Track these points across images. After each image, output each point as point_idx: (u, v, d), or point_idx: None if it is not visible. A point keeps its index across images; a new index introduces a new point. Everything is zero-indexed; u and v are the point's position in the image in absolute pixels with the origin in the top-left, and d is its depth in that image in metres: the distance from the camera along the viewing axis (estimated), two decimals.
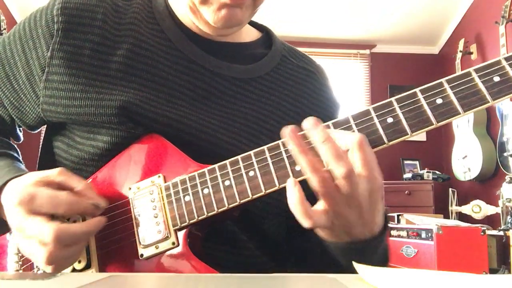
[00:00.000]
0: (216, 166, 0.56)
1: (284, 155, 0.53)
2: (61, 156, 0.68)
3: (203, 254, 0.57)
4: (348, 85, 4.66)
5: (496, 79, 0.48)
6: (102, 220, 0.57)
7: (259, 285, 0.42)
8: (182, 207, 0.56)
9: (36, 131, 0.75)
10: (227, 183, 0.54)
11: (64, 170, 0.58)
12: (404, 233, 2.98)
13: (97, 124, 0.63)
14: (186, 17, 0.70)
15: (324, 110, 0.76)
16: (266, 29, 0.81)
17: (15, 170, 0.62)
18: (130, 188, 0.60)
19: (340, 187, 0.49)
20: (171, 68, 0.66)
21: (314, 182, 0.49)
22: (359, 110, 0.52)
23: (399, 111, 0.50)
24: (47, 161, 0.70)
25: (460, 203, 3.65)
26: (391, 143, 0.50)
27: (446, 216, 3.66)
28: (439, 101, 0.49)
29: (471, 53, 3.92)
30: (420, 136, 4.39)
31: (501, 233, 2.78)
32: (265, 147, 0.54)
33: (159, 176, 0.59)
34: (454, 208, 3.65)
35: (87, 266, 0.59)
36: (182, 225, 0.56)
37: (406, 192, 3.94)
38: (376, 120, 0.51)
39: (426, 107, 0.49)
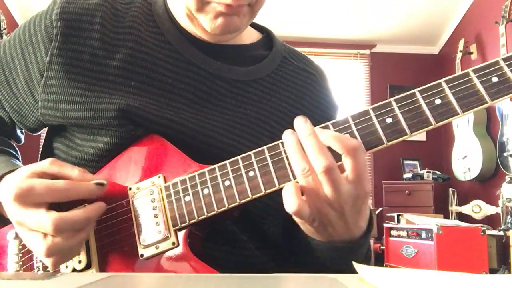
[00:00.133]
0: (216, 166, 0.56)
1: (284, 155, 0.53)
2: (61, 158, 0.68)
3: (203, 254, 0.57)
4: (348, 85, 4.67)
5: (495, 79, 0.48)
6: (102, 206, 0.56)
7: (259, 285, 0.42)
8: (182, 207, 0.56)
9: (37, 133, 0.75)
10: (227, 183, 0.54)
11: (55, 160, 0.57)
12: (404, 233, 2.99)
13: (97, 126, 0.63)
14: (185, 20, 0.70)
15: (324, 112, 0.76)
16: (267, 31, 0.81)
17: (11, 165, 0.62)
18: (130, 189, 0.60)
19: (321, 183, 0.49)
20: (171, 71, 0.66)
21: (296, 174, 0.50)
22: (358, 110, 0.52)
23: (398, 112, 0.50)
24: None
25: (460, 203, 3.65)
26: (390, 143, 0.50)
27: (446, 216, 3.67)
28: (438, 101, 0.49)
29: (471, 53, 3.92)
30: (420, 136, 4.40)
31: (501, 233, 2.78)
32: (265, 147, 0.54)
33: (159, 177, 0.59)
34: (454, 208, 3.65)
35: (87, 266, 0.59)
36: (182, 225, 0.56)
37: (406, 192, 3.94)
38: (375, 120, 0.51)
39: (425, 107, 0.49)
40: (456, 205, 3.66)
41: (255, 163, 0.54)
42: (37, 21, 0.68)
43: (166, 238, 0.56)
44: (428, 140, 4.47)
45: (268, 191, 0.53)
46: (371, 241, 3.64)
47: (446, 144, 4.29)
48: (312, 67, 0.81)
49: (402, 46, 4.75)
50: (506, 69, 0.48)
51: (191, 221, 0.56)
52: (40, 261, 0.63)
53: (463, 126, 3.78)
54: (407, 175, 4.20)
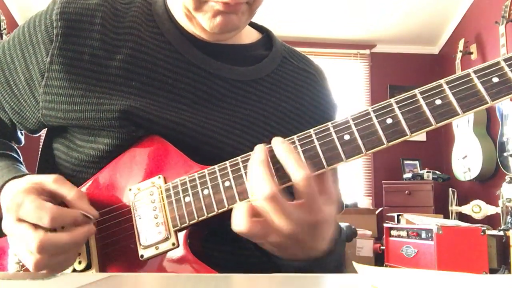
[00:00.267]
0: (216, 167, 0.56)
1: None
2: (61, 158, 0.68)
3: (203, 255, 0.57)
4: (348, 85, 4.66)
5: (495, 80, 0.48)
6: (91, 231, 0.56)
7: (259, 285, 0.42)
8: (182, 208, 0.56)
9: (37, 135, 0.75)
10: (227, 184, 0.54)
11: (60, 178, 0.57)
12: (404, 233, 2.99)
13: (97, 127, 0.63)
14: (184, 20, 0.70)
15: (323, 112, 0.76)
16: (267, 31, 0.81)
17: (15, 171, 0.62)
18: (130, 189, 0.60)
19: (269, 216, 0.49)
20: (171, 71, 0.66)
21: (252, 203, 0.50)
22: (358, 111, 0.52)
23: (398, 112, 0.50)
24: (47, 163, 0.70)
25: (460, 203, 3.65)
26: (390, 143, 0.50)
27: (446, 216, 3.67)
28: (438, 102, 0.49)
29: (471, 53, 3.92)
30: (420, 136, 4.40)
31: (501, 233, 2.78)
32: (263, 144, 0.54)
33: (159, 177, 0.59)
34: (454, 208, 3.65)
35: (88, 267, 0.59)
36: (182, 225, 0.56)
37: (406, 192, 3.94)
38: (375, 121, 0.51)
39: (425, 108, 0.49)
40: (456, 205, 3.66)
41: None
42: (37, 21, 0.68)
43: (166, 239, 0.56)
44: (428, 140, 4.47)
45: None
46: (371, 241, 3.65)
47: (446, 144, 4.29)
48: (311, 67, 0.81)
49: (402, 46, 4.75)
50: (506, 69, 0.48)
51: (191, 222, 0.55)
52: None
53: (463, 126, 3.78)
54: (407, 175, 4.20)
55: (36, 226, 0.53)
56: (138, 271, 0.58)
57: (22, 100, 0.69)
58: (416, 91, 0.50)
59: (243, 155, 0.55)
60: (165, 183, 0.58)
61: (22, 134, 0.79)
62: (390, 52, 4.77)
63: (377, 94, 4.58)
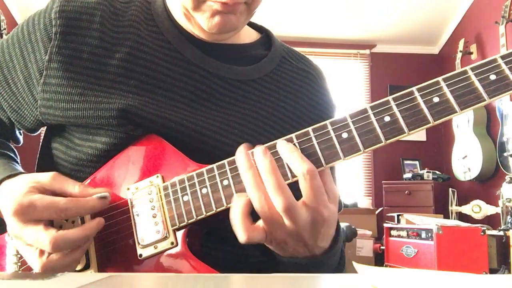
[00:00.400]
0: (214, 166, 0.56)
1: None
2: (59, 158, 0.68)
3: (202, 254, 0.57)
4: (348, 85, 4.66)
5: (492, 77, 0.48)
6: (101, 222, 0.57)
7: (258, 285, 0.42)
8: (181, 207, 0.56)
9: (35, 134, 0.75)
10: (225, 182, 0.54)
11: (57, 175, 0.57)
12: (404, 233, 2.99)
13: (96, 126, 0.63)
14: (183, 19, 0.70)
15: (322, 112, 0.76)
16: (266, 30, 0.81)
17: (9, 170, 0.62)
18: (128, 189, 0.60)
19: (281, 218, 0.50)
20: (170, 70, 0.66)
21: (254, 203, 0.50)
22: (356, 109, 0.52)
23: (396, 110, 0.50)
24: (46, 163, 0.70)
25: (460, 203, 3.65)
26: (388, 141, 0.50)
27: (446, 216, 3.67)
28: (435, 99, 0.49)
29: (471, 53, 3.92)
30: (420, 136, 4.40)
31: (501, 233, 2.77)
32: (263, 146, 0.54)
33: (157, 176, 0.59)
34: (454, 208, 3.65)
35: (86, 266, 0.59)
36: (181, 225, 0.56)
37: (406, 192, 3.94)
38: (373, 119, 0.51)
39: (423, 105, 0.49)
40: (456, 205, 3.66)
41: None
42: (35, 20, 0.68)
43: (165, 238, 0.56)
44: (428, 140, 4.47)
45: None
46: (371, 241, 3.65)
47: (446, 144, 4.29)
48: (310, 67, 0.81)
49: (402, 46, 4.75)
50: (504, 66, 0.48)
51: (190, 221, 0.55)
52: None
53: (463, 126, 3.78)
54: (407, 175, 4.20)
55: (46, 225, 0.53)
56: (136, 271, 0.57)
57: (20, 99, 0.69)
58: (414, 88, 0.50)
59: None
60: (163, 182, 0.58)
61: (20, 134, 0.79)
62: (390, 52, 4.77)
63: (377, 94, 4.58)
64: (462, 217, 3.57)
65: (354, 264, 0.43)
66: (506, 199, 2.92)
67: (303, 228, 0.51)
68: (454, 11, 4.16)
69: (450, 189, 3.80)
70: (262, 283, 0.43)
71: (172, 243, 0.56)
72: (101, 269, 0.59)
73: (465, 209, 3.32)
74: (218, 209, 0.54)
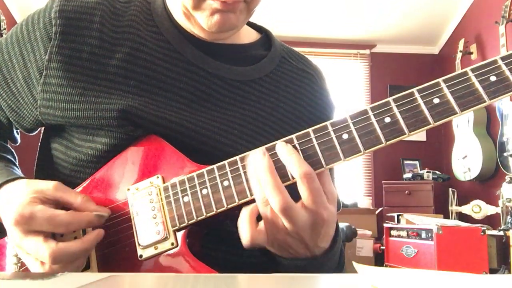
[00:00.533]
0: (214, 166, 0.56)
1: None
2: (59, 158, 0.68)
3: (202, 255, 0.57)
4: (348, 85, 4.66)
5: (493, 78, 0.48)
6: (100, 234, 0.57)
7: (259, 285, 0.42)
8: (181, 208, 0.56)
9: (33, 134, 0.75)
10: (225, 183, 0.54)
11: (60, 185, 0.58)
12: (404, 233, 2.99)
13: (95, 126, 0.63)
14: (183, 18, 0.70)
15: (321, 113, 0.76)
16: (266, 31, 0.81)
17: (8, 174, 0.62)
18: (128, 189, 0.60)
19: (279, 219, 0.51)
20: (170, 70, 0.66)
21: (257, 204, 0.52)
22: (357, 110, 0.52)
23: (396, 111, 0.50)
24: (45, 163, 0.70)
25: (460, 203, 3.65)
26: (388, 142, 0.50)
27: (446, 216, 3.67)
28: (436, 100, 0.49)
29: (471, 53, 3.92)
30: (420, 136, 4.39)
31: (501, 233, 2.78)
32: (263, 147, 0.54)
33: (157, 177, 0.59)
34: (454, 208, 3.65)
35: (86, 267, 0.59)
36: (181, 225, 0.56)
37: (406, 192, 3.94)
38: (373, 120, 0.51)
39: (423, 106, 0.49)
40: (456, 205, 3.66)
41: None
42: (35, 19, 0.68)
43: (165, 239, 0.56)
44: (428, 140, 4.46)
45: None
46: (371, 241, 3.64)
47: (446, 144, 4.28)
48: (310, 68, 0.81)
49: (402, 46, 4.75)
50: (504, 68, 0.48)
51: (190, 222, 0.55)
52: None
53: (463, 126, 3.78)
54: (407, 175, 4.20)
55: (46, 237, 0.54)
56: (137, 271, 0.57)
57: (20, 98, 0.68)
58: (414, 89, 0.50)
59: (241, 155, 0.55)
60: (164, 182, 0.58)
61: (18, 133, 0.79)
62: (390, 52, 4.76)
63: (377, 94, 4.58)
64: (462, 217, 3.57)
65: (354, 264, 0.43)
66: (506, 199, 2.92)
67: (303, 229, 0.51)
68: (454, 11, 4.16)
69: (450, 189, 3.80)
70: (262, 283, 0.43)
71: (172, 244, 0.56)
72: (101, 269, 0.59)
73: (465, 209, 3.32)
74: (219, 210, 0.54)
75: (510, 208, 2.91)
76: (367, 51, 4.74)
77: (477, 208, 3.19)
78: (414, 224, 2.98)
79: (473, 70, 0.49)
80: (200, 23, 0.65)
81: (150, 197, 0.58)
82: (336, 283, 0.43)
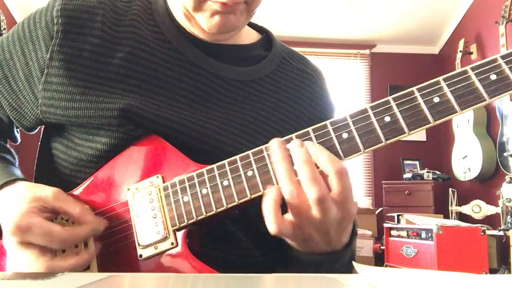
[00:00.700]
0: (214, 166, 0.56)
1: None
2: (59, 158, 0.68)
3: (202, 254, 0.57)
4: (348, 85, 4.66)
5: (493, 77, 0.48)
6: (93, 255, 0.58)
7: (258, 285, 0.42)
8: (181, 208, 0.56)
9: (33, 132, 0.75)
10: (225, 183, 0.54)
11: (59, 193, 0.58)
12: (404, 233, 2.99)
13: (96, 126, 0.63)
14: (183, 19, 0.70)
15: (321, 113, 0.76)
16: (266, 31, 0.81)
17: (7, 175, 0.62)
18: (128, 189, 0.60)
19: (311, 210, 0.50)
20: (171, 70, 0.66)
21: (286, 194, 0.50)
22: (356, 109, 0.52)
23: (396, 110, 0.50)
24: (46, 162, 0.70)
25: (460, 203, 3.65)
26: (388, 141, 0.50)
27: (446, 216, 3.66)
28: (436, 99, 0.49)
29: (471, 53, 3.92)
30: (420, 136, 4.39)
31: (501, 233, 2.78)
32: (263, 147, 0.54)
33: (157, 177, 0.59)
34: (454, 208, 3.65)
35: (87, 267, 0.59)
36: (181, 225, 0.56)
37: (406, 192, 3.94)
38: (373, 119, 0.51)
39: (423, 105, 0.49)
40: (456, 205, 3.66)
41: (253, 163, 0.54)
42: (37, 18, 0.68)
43: (165, 238, 0.56)
44: (428, 140, 4.46)
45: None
46: (371, 241, 3.64)
47: (446, 144, 4.28)
48: (310, 68, 0.81)
49: (402, 46, 4.75)
50: (504, 66, 0.48)
51: (190, 221, 0.55)
52: None
53: (463, 126, 3.77)
54: (407, 175, 4.20)
55: (41, 252, 0.54)
56: (137, 271, 0.57)
57: (21, 97, 0.68)
58: (414, 88, 0.50)
59: (241, 155, 0.55)
60: (164, 182, 0.58)
61: (18, 132, 0.79)
62: (390, 52, 4.76)
63: (377, 94, 4.57)
64: (462, 217, 3.57)
65: (354, 264, 0.43)
66: (506, 199, 2.92)
67: (331, 223, 0.51)
68: (454, 11, 4.16)
69: (450, 189, 3.80)
70: (261, 283, 0.43)
71: (172, 244, 0.56)
72: (101, 269, 0.59)
73: (465, 209, 3.32)
74: (218, 210, 0.54)
75: (510, 208, 2.91)
76: (367, 51, 4.74)
77: (477, 208, 3.19)
78: (414, 224, 2.98)
79: (473, 69, 0.49)
80: (200, 24, 0.65)
81: (150, 197, 0.58)
82: (336, 283, 0.43)
